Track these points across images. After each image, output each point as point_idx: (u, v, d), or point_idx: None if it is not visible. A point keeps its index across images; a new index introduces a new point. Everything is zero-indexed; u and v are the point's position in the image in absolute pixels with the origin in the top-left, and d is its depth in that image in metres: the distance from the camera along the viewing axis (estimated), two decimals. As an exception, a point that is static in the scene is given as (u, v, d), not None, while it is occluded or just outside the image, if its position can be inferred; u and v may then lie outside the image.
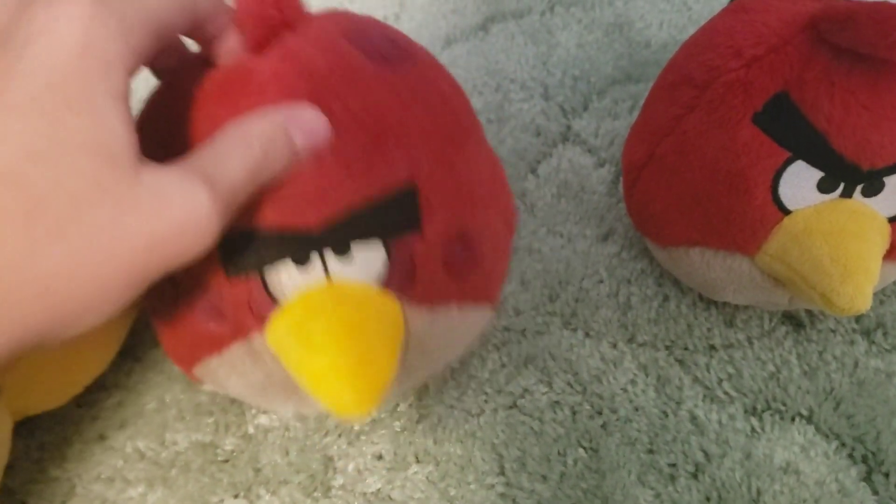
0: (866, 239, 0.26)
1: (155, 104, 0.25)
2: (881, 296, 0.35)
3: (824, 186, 0.26)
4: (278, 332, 0.23)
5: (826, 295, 0.25)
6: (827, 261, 0.25)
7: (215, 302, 0.23)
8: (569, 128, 0.42)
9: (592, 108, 0.43)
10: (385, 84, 0.23)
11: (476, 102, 0.43)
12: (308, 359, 0.22)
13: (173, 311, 0.25)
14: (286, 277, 0.23)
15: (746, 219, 0.27)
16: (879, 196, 0.26)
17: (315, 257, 0.22)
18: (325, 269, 0.23)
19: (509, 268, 0.31)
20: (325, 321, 0.22)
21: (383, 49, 0.24)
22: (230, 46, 0.23)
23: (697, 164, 0.28)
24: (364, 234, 0.22)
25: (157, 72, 0.25)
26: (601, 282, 0.36)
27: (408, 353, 0.24)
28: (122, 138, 0.18)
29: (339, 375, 0.21)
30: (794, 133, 0.25)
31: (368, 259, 0.23)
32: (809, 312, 0.34)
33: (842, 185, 0.26)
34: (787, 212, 0.26)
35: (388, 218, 0.23)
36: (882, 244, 0.27)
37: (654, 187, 0.30)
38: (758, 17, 0.27)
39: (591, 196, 0.39)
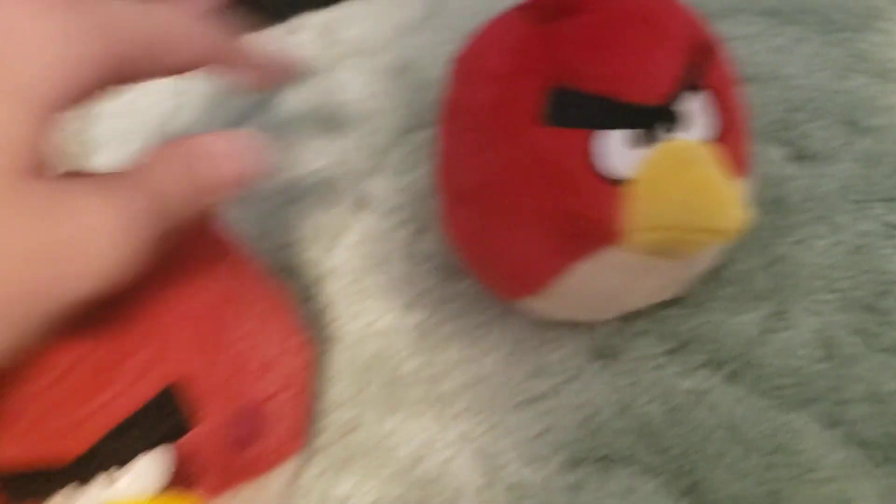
0: (706, 161, 0.25)
1: None
2: (691, 307, 0.33)
3: (635, 140, 0.25)
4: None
5: (712, 224, 0.24)
6: (693, 195, 0.24)
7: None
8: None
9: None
10: None
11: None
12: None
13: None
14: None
15: (592, 208, 0.26)
16: (685, 128, 0.26)
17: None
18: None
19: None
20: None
21: None
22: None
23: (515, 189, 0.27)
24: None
25: None
26: (409, 356, 0.35)
27: None
28: (15, 142, 0.16)
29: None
30: (584, 110, 0.25)
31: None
32: (618, 343, 0.33)
33: (644, 132, 0.25)
34: (622, 182, 0.25)
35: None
36: (716, 163, 0.25)
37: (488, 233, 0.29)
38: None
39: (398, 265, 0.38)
